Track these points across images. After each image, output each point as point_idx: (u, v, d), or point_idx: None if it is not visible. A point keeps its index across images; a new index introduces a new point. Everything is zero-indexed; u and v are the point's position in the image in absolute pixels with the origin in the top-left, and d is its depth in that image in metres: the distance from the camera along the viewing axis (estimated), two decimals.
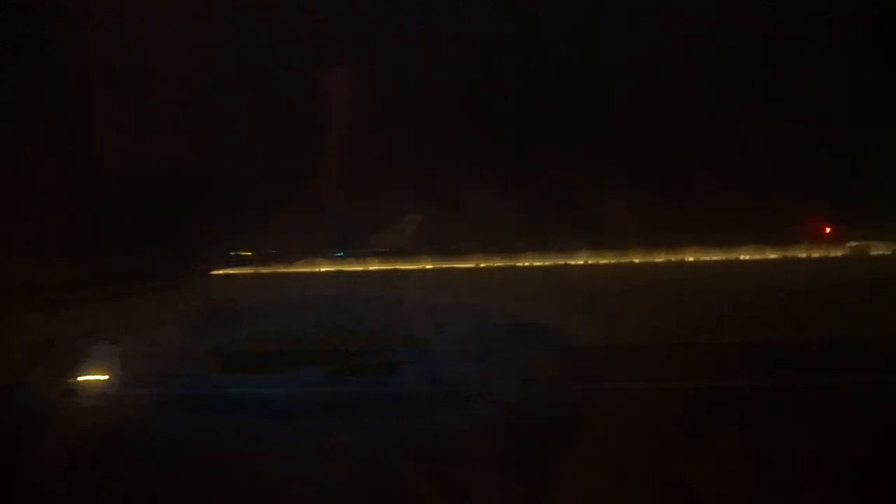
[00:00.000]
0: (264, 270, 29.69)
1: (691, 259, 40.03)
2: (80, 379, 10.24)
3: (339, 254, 34.06)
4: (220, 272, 20.37)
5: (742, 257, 39.75)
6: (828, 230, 38.80)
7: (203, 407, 9.06)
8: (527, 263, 39.52)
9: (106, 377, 10.36)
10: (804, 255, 39.77)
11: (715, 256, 39.73)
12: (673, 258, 39.93)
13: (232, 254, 20.67)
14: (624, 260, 39.63)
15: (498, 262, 39.45)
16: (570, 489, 5.62)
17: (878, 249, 37.76)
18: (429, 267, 38.24)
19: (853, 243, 38.47)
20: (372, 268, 37.47)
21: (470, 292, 21.97)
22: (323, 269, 36.23)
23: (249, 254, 20.99)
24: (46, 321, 12.49)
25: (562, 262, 39.42)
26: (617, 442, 6.50)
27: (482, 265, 39.12)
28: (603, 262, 39.72)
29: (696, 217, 39.40)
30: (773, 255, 39.86)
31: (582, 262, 39.81)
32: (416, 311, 17.56)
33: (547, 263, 39.20)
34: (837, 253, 38.76)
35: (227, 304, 18.25)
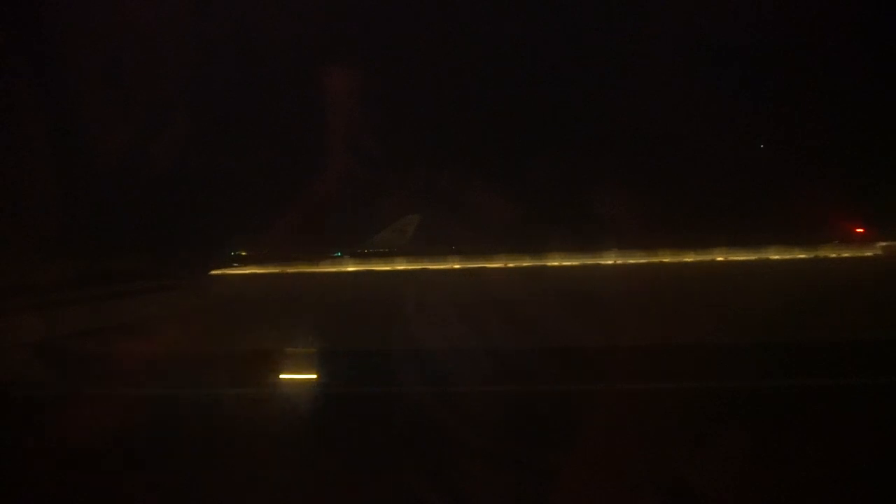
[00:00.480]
0: (264, 270, 29.93)
1: (720, 259, 39.24)
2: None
3: (337, 254, 34.21)
4: (220, 272, 20.54)
5: (771, 257, 38.86)
6: (858, 231, 37.96)
7: (201, 407, 9.05)
8: (555, 263, 38.98)
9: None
10: (834, 255, 38.85)
11: (742, 256, 38.91)
12: (699, 258, 39.15)
13: (232, 253, 20.85)
14: (654, 259, 38.96)
15: (499, 263, 39.04)
16: (570, 489, 5.53)
17: None
18: (429, 267, 38.03)
19: (884, 244, 37.56)
20: (372, 268, 37.45)
21: (470, 292, 21.75)
22: (322, 270, 36.39)
23: (249, 253, 21.15)
24: (47, 320, 12.68)
25: (591, 261, 38.89)
26: (620, 443, 6.35)
27: (483, 266, 38.74)
28: (631, 261, 39.08)
29: (723, 216, 38.69)
30: (802, 255, 38.94)
31: (605, 263, 39.17)
32: (415, 311, 17.43)
33: (575, 263, 38.71)
34: (868, 253, 37.81)
35: (225, 304, 18.35)
